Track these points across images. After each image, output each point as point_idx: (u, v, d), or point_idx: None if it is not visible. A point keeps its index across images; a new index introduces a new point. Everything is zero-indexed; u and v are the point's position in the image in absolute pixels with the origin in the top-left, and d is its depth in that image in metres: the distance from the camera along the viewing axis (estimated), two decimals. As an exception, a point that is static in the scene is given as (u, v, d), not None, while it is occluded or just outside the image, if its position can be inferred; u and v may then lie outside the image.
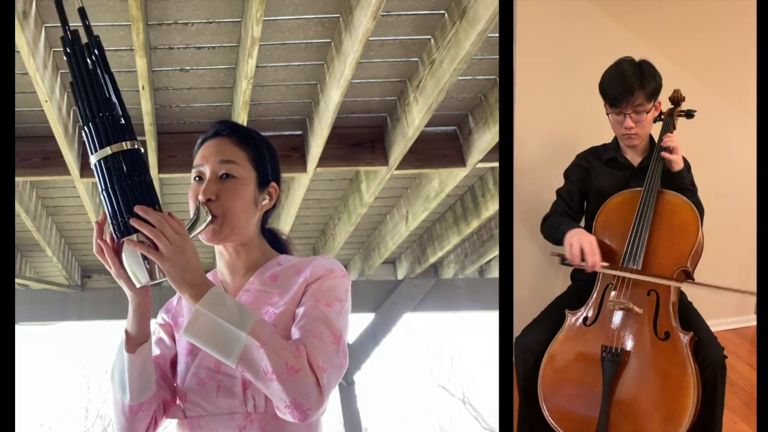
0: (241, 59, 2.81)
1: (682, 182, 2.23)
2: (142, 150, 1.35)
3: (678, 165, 2.22)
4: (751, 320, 3.28)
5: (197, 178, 1.47)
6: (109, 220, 1.31)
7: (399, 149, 3.40)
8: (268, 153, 1.53)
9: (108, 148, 1.30)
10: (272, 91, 3.29)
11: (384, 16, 2.74)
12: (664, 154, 2.21)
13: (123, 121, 1.33)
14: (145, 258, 1.28)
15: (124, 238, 1.29)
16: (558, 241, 2.28)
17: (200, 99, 3.33)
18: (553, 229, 2.33)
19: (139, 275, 1.30)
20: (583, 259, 2.17)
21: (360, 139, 3.62)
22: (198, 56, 2.96)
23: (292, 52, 2.97)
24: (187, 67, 3.03)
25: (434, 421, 18.51)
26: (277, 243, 1.57)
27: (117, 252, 1.31)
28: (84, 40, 1.37)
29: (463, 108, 3.52)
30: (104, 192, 1.31)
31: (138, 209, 1.29)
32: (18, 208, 3.97)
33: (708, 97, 2.96)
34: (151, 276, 1.29)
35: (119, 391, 1.38)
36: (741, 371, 2.90)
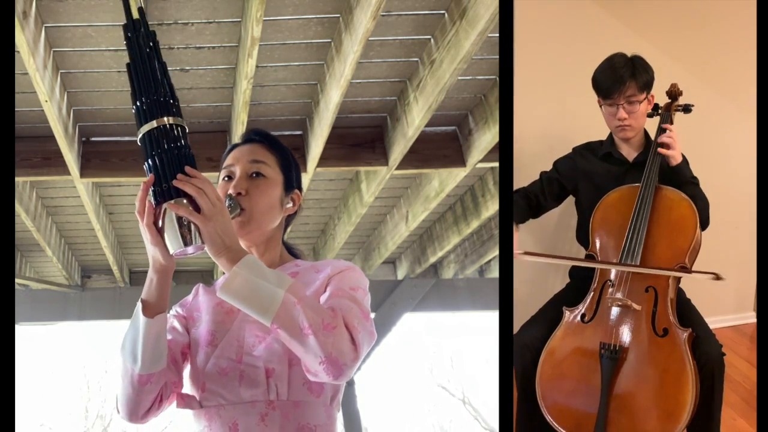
0: (241, 59, 2.81)
1: (683, 176, 2.24)
2: (187, 129, 1.42)
3: (676, 159, 2.23)
4: (750, 317, 3.29)
5: (226, 178, 1.54)
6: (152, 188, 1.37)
7: (399, 149, 3.41)
8: (293, 163, 1.62)
9: (154, 121, 1.38)
10: (272, 91, 3.29)
11: (384, 16, 2.74)
12: (661, 150, 2.22)
13: (171, 101, 1.41)
14: (181, 225, 1.33)
15: (166, 203, 1.34)
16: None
17: (200, 99, 3.33)
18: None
19: (173, 242, 1.34)
20: None
21: (360, 139, 3.62)
22: (198, 56, 2.96)
23: (292, 52, 2.97)
24: (187, 67, 3.04)
25: (434, 421, 18.52)
26: (292, 253, 1.64)
27: (156, 218, 1.35)
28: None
29: (463, 108, 3.52)
30: (149, 160, 1.38)
31: (187, 170, 1.35)
32: (18, 208, 3.97)
33: (706, 92, 2.96)
34: (185, 241, 1.33)
35: (130, 360, 1.40)
36: (740, 368, 2.90)
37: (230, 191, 1.50)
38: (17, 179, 3.68)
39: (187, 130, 1.42)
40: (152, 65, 1.42)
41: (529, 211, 2.44)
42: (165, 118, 1.39)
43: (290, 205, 1.58)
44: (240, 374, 1.41)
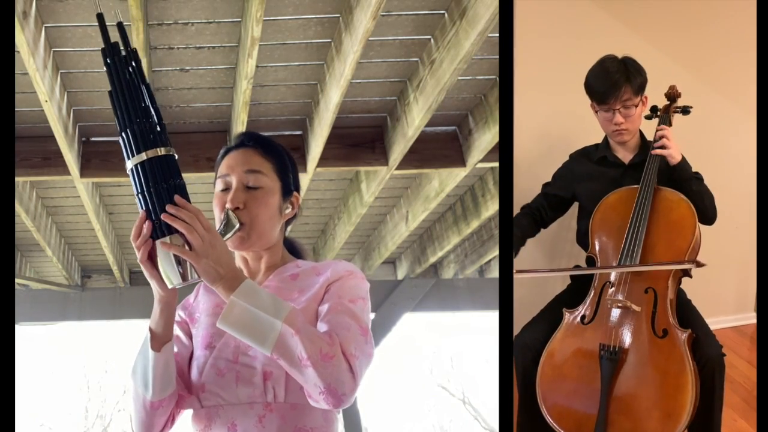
0: (241, 59, 2.81)
1: (685, 173, 2.24)
2: (176, 156, 1.39)
3: (675, 158, 2.23)
4: (751, 318, 3.28)
5: (223, 189, 1.51)
6: None
7: (399, 149, 3.40)
8: (290, 164, 1.59)
9: (144, 154, 1.35)
10: (272, 91, 3.29)
11: (384, 16, 2.74)
12: (658, 150, 2.22)
13: (158, 129, 1.37)
14: (177, 260, 1.32)
15: (158, 240, 1.33)
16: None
17: (200, 99, 3.33)
18: (515, 228, 2.37)
19: (171, 276, 1.33)
20: None
21: (360, 139, 3.62)
22: (198, 56, 2.96)
23: (292, 52, 2.97)
24: (187, 67, 3.04)
25: (434, 421, 18.52)
26: (293, 250, 1.63)
27: (152, 253, 1.34)
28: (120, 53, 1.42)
29: (463, 108, 3.52)
30: (140, 195, 1.35)
31: (170, 207, 1.32)
32: (18, 208, 3.97)
33: (706, 92, 2.96)
34: (184, 277, 1.33)
35: (141, 387, 1.41)
36: (740, 369, 2.90)
37: (228, 205, 1.47)
38: (17, 179, 3.68)
39: (176, 157, 1.39)
40: (136, 90, 1.37)
41: (535, 226, 2.45)
42: (156, 150, 1.35)
43: (289, 209, 1.56)
44: (236, 375, 1.42)
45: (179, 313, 1.58)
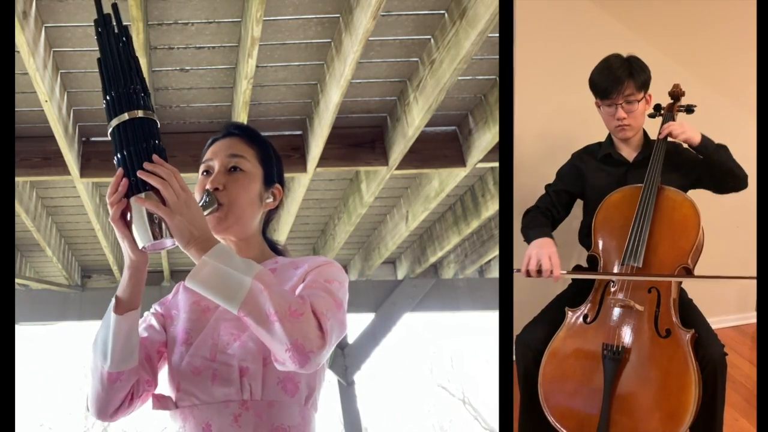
0: (241, 59, 2.81)
1: (710, 144, 2.24)
2: (158, 124, 1.40)
3: (695, 139, 2.23)
4: (753, 317, 3.28)
5: (205, 173, 1.53)
6: None
7: (399, 149, 3.40)
8: (274, 156, 1.60)
9: (125, 114, 1.36)
10: (272, 91, 3.29)
11: (384, 16, 2.74)
12: (679, 137, 2.22)
13: (143, 94, 1.39)
14: (150, 220, 1.31)
15: (132, 196, 1.32)
16: (527, 242, 2.30)
17: (200, 99, 3.33)
18: (526, 229, 2.35)
19: (142, 236, 1.32)
20: (539, 272, 2.18)
21: (360, 139, 3.62)
22: (198, 56, 2.96)
23: (292, 52, 2.97)
24: (187, 67, 3.04)
25: (434, 421, 18.51)
26: (274, 249, 1.61)
27: (125, 212, 1.34)
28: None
29: (463, 108, 3.52)
30: (118, 154, 1.36)
31: (146, 164, 1.32)
32: (18, 208, 3.96)
33: (708, 92, 2.96)
34: (154, 236, 1.31)
35: (100, 358, 1.38)
36: (742, 368, 2.90)
37: (208, 186, 1.48)
38: (17, 179, 3.67)
39: (159, 125, 1.40)
40: (123, 59, 1.40)
41: (550, 225, 2.42)
42: (136, 111, 1.36)
43: (270, 200, 1.56)
44: (213, 373, 1.40)
45: (156, 307, 1.57)
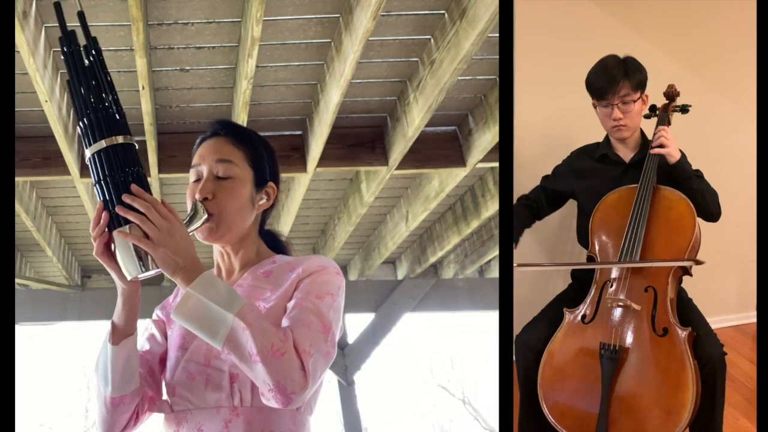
0: (241, 59, 2.81)
1: (685, 171, 2.24)
2: (137, 146, 1.37)
3: (674, 157, 2.23)
4: (753, 317, 3.28)
5: (195, 179, 1.49)
6: None
7: (399, 149, 3.40)
8: (266, 153, 1.55)
9: (103, 141, 1.33)
10: (272, 91, 3.29)
11: (384, 16, 2.74)
12: (656, 150, 2.22)
13: (118, 117, 1.35)
14: (136, 251, 1.29)
15: (115, 230, 1.30)
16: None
17: (200, 99, 3.33)
18: (515, 219, 2.38)
19: (129, 267, 1.31)
20: None
21: (360, 139, 3.62)
22: (198, 56, 2.96)
23: (292, 52, 2.97)
24: (187, 67, 3.04)
25: (434, 421, 18.52)
26: (276, 244, 1.59)
27: (109, 244, 1.32)
28: (83, 42, 1.40)
29: (463, 108, 3.52)
30: (97, 184, 1.33)
31: (125, 197, 1.30)
32: (18, 208, 3.97)
33: (705, 91, 2.96)
34: (143, 267, 1.30)
35: (102, 383, 1.40)
36: (742, 368, 2.90)
37: (196, 196, 1.44)
38: (17, 179, 3.68)
39: (136, 147, 1.36)
40: (95, 79, 1.35)
41: (532, 217, 2.47)
42: (114, 138, 1.33)
43: (264, 200, 1.52)
44: (206, 378, 1.40)
45: (157, 312, 1.57)
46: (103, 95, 1.35)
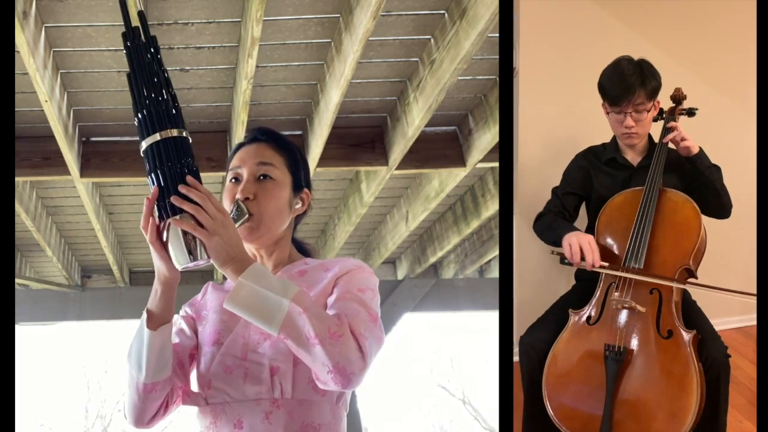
0: (241, 59, 2.81)
1: (707, 160, 2.25)
2: (190, 140, 1.40)
3: (694, 149, 2.24)
4: (755, 319, 3.28)
5: (233, 180, 1.52)
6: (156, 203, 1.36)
7: (399, 149, 3.40)
8: (302, 161, 1.60)
9: (157, 134, 1.36)
10: (272, 91, 3.28)
11: (384, 16, 2.73)
12: (680, 144, 2.23)
13: (174, 111, 1.39)
14: (187, 243, 1.32)
15: (169, 219, 1.33)
16: (554, 242, 2.28)
17: (200, 99, 3.33)
18: (550, 230, 2.33)
19: (179, 257, 1.33)
20: (582, 258, 2.18)
21: (360, 139, 3.62)
22: (198, 56, 2.96)
23: (292, 52, 2.97)
24: (187, 67, 3.03)
25: (434, 421, 18.52)
26: (302, 250, 1.62)
27: (161, 233, 1.35)
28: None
29: (463, 108, 3.52)
30: (152, 173, 1.36)
31: (181, 188, 1.33)
32: (18, 208, 3.96)
33: (710, 95, 2.96)
34: (192, 256, 1.32)
35: (135, 370, 1.41)
36: (746, 370, 2.89)
37: (238, 196, 1.48)
38: (17, 179, 3.67)
39: (191, 141, 1.40)
40: (154, 74, 1.40)
41: (570, 223, 2.40)
42: (169, 131, 1.36)
43: (299, 205, 1.57)
44: (245, 372, 1.41)
45: (186, 309, 1.59)
46: (160, 89, 1.39)
